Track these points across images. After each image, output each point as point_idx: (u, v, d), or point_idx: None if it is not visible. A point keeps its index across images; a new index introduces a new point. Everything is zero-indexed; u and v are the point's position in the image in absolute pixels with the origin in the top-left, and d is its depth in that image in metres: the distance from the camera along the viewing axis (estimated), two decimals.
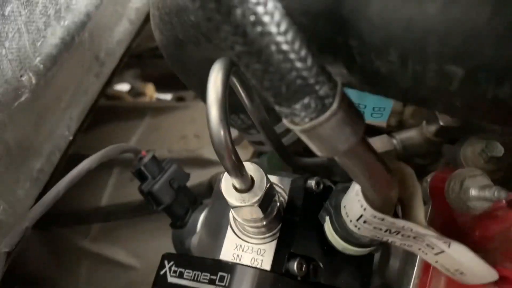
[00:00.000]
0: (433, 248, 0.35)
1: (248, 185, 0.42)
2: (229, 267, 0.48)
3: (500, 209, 0.39)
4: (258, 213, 0.44)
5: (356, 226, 0.38)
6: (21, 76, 0.46)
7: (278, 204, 0.48)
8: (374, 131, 0.77)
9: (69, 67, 0.59)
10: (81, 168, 0.49)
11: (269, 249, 0.49)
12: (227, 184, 0.43)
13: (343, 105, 0.27)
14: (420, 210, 0.35)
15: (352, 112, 0.28)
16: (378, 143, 0.66)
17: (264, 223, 0.47)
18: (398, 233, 0.35)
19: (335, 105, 0.26)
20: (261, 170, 0.44)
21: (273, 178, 0.52)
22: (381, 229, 0.36)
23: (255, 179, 0.43)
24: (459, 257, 0.33)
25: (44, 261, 1.12)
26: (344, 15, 0.29)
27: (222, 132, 0.36)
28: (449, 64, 0.25)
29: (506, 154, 0.51)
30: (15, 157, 0.53)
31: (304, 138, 0.29)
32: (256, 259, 0.48)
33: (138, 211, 1.01)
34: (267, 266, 0.48)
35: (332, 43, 0.31)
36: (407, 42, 0.26)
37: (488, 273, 0.33)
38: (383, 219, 0.34)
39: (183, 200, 0.61)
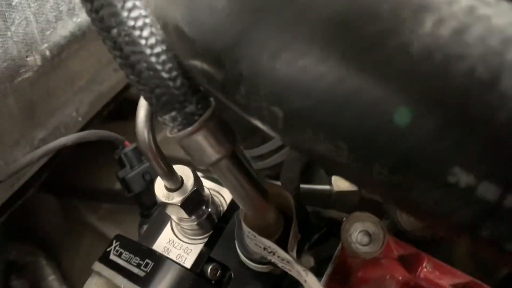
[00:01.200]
0: (301, 276, 0.38)
1: (176, 186, 0.48)
2: (155, 257, 0.53)
3: (387, 258, 0.41)
4: (182, 214, 0.49)
5: (246, 241, 0.42)
6: (26, 56, 0.55)
7: (210, 210, 0.53)
8: None
9: (83, 58, 0.68)
10: (57, 143, 0.57)
11: (195, 249, 0.53)
12: (160, 182, 0.49)
13: (210, 124, 0.32)
14: (292, 235, 0.38)
15: (220, 131, 0.32)
16: (344, 181, 0.68)
17: (194, 224, 0.52)
18: (274, 254, 0.39)
19: (198, 123, 0.31)
20: (192, 176, 0.49)
21: (214, 186, 0.57)
22: (260, 247, 0.39)
23: (184, 182, 0.48)
24: (313, 287, 0.36)
25: (55, 225, 1.23)
26: None
27: (146, 134, 0.41)
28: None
29: None
30: (18, 122, 0.62)
31: (180, 146, 0.34)
32: (182, 256, 0.53)
33: None
34: (188, 264, 0.52)
35: None
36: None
37: None
38: (255, 236, 0.38)
39: (153, 193, 0.67)
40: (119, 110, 1.07)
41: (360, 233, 0.39)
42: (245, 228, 0.38)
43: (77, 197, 1.24)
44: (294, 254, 0.38)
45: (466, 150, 0.21)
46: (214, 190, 0.58)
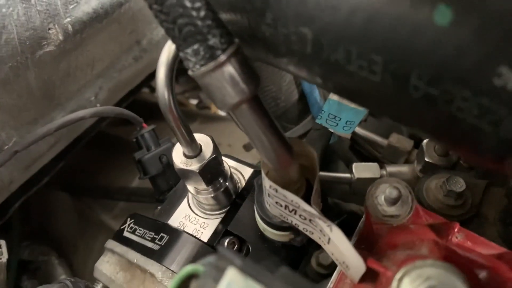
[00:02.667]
0: (324, 235, 0.36)
1: (195, 153, 0.46)
2: (171, 231, 0.51)
3: (416, 223, 0.39)
4: (200, 182, 0.47)
5: (267, 202, 0.40)
6: (48, 29, 0.55)
7: (228, 184, 0.51)
8: (372, 161, 0.77)
9: (104, 40, 0.68)
10: (75, 115, 0.57)
11: (212, 224, 0.52)
12: (179, 148, 0.47)
13: (233, 60, 0.30)
14: (314, 193, 0.36)
15: (243, 70, 0.31)
16: (366, 168, 0.66)
17: (211, 196, 0.50)
18: (295, 212, 0.37)
19: (222, 57, 0.30)
20: (212, 144, 0.47)
21: (235, 164, 0.56)
22: (281, 205, 0.37)
23: (203, 149, 0.47)
24: (338, 243, 0.34)
25: (69, 224, 1.22)
26: None
27: (166, 94, 0.40)
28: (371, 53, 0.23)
29: (469, 194, 0.50)
30: (37, 100, 0.62)
31: (201, 87, 0.32)
32: (198, 230, 0.52)
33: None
34: (205, 238, 0.51)
35: None
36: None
37: (357, 263, 0.33)
38: (277, 190, 0.36)
39: (169, 177, 0.66)
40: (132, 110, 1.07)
41: (387, 190, 0.37)
42: (267, 182, 0.36)
43: (91, 196, 1.23)
44: (318, 209, 0.36)
45: None
46: (234, 168, 0.56)
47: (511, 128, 0.21)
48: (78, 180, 1.21)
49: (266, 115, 0.33)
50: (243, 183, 0.54)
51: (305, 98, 0.74)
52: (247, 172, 0.55)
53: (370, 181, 0.65)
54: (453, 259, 0.36)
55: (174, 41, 0.31)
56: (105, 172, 1.21)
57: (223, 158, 0.56)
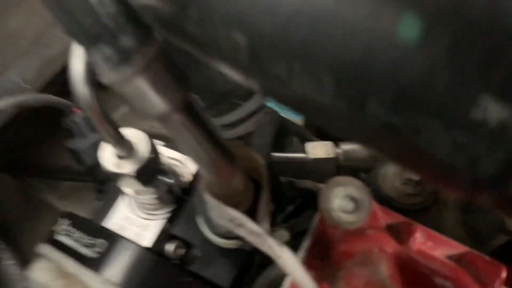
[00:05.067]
0: (274, 252, 0.32)
1: (127, 152, 0.41)
2: (109, 236, 0.46)
3: (374, 228, 0.36)
4: (136, 185, 0.42)
5: (210, 211, 0.36)
6: None
7: (171, 181, 0.46)
8: (326, 135, 0.74)
9: (26, 15, 0.59)
10: None
11: (156, 226, 0.47)
12: (107, 147, 0.41)
13: (154, 63, 0.25)
14: (263, 204, 0.32)
15: (169, 73, 0.26)
16: (321, 148, 0.62)
17: (153, 197, 0.45)
18: (242, 226, 0.33)
19: (139, 60, 0.24)
20: (147, 142, 0.42)
21: (179, 156, 0.50)
22: (226, 219, 0.33)
23: (137, 148, 0.41)
24: (290, 264, 0.30)
25: (13, 206, 1.14)
26: None
27: (85, 87, 0.34)
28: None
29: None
30: None
31: (122, 96, 0.27)
32: (139, 234, 0.47)
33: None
34: (147, 243, 0.46)
35: None
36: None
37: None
38: (219, 207, 0.31)
39: None
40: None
41: (343, 199, 0.33)
42: (208, 197, 0.31)
43: (35, 176, 1.15)
44: (267, 226, 0.32)
45: (499, 69, 0.15)
46: (178, 160, 0.51)
47: (490, 166, 0.17)
48: (19, 160, 1.12)
49: (202, 123, 0.28)
50: (190, 177, 0.49)
51: None
52: (193, 165, 0.50)
53: (325, 160, 0.62)
54: (413, 269, 0.33)
55: (79, 42, 0.25)
56: (48, 150, 1.13)
57: (165, 149, 0.51)
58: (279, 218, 0.67)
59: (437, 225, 0.38)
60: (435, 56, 0.16)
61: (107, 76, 0.25)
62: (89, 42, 0.24)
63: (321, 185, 0.70)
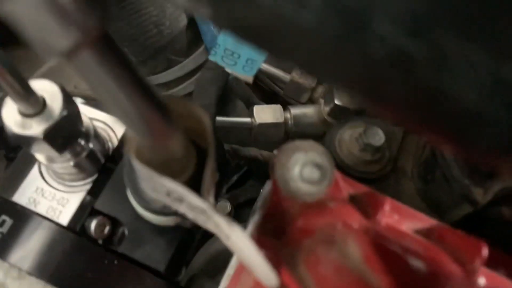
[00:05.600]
0: (222, 231, 0.26)
1: (36, 110, 0.33)
2: (16, 212, 0.38)
3: (335, 200, 0.31)
4: (48, 150, 0.34)
5: (141, 182, 0.29)
6: None
7: (93, 146, 0.38)
8: (274, 99, 0.68)
9: None
10: None
11: (75, 200, 0.39)
12: (11, 104, 0.33)
13: None
14: (207, 174, 0.26)
15: None
16: (268, 112, 0.57)
17: (70, 164, 0.37)
18: (181, 201, 0.26)
19: None
20: (61, 95, 0.34)
21: (103, 117, 0.42)
22: (161, 192, 0.26)
23: (47, 103, 0.33)
24: (241, 247, 0.25)
25: None
26: None
27: None
28: None
29: (388, 147, 0.43)
30: None
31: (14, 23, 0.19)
32: (55, 208, 0.39)
33: None
34: (64, 220, 0.38)
35: None
36: None
37: (266, 276, 0.24)
38: (152, 176, 0.25)
39: None
40: None
41: (305, 166, 0.28)
42: (137, 164, 0.24)
43: None
44: (212, 200, 0.26)
45: None
46: (101, 121, 0.43)
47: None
48: None
49: (125, 63, 0.21)
50: (115, 142, 0.42)
51: (196, 25, 0.60)
52: (120, 126, 0.42)
53: (273, 125, 0.57)
54: (385, 248, 0.29)
55: None
56: None
57: (86, 108, 0.42)
58: (224, 189, 0.61)
59: (395, 195, 0.33)
60: None
61: None
62: None
63: (268, 153, 0.65)
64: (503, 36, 0.11)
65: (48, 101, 0.33)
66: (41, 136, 0.32)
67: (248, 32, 0.16)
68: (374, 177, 0.42)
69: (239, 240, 0.24)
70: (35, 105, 0.32)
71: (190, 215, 0.28)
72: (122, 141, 0.42)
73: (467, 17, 0.11)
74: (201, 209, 0.25)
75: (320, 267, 0.25)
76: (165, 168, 0.25)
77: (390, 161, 0.43)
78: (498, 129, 0.13)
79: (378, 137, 0.41)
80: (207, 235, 0.47)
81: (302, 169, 0.28)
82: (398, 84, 0.13)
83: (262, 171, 0.65)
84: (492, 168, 0.17)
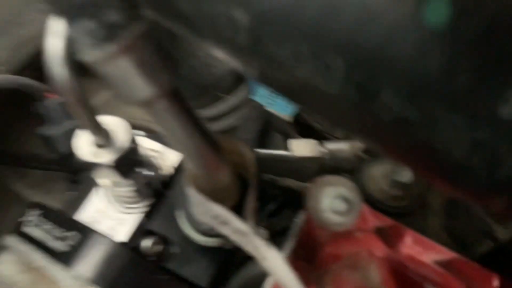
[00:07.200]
0: (259, 253, 0.30)
1: (105, 141, 0.38)
2: (81, 228, 0.43)
3: (362, 231, 0.34)
4: (114, 176, 0.39)
5: (193, 206, 0.33)
6: None
7: (151, 174, 0.44)
8: (312, 134, 0.72)
9: None
10: None
11: (131, 221, 0.45)
12: (83, 135, 0.39)
13: (140, 44, 0.22)
14: (251, 202, 0.30)
15: (156, 57, 0.23)
16: (305, 146, 0.61)
17: (131, 189, 0.43)
18: (226, 224, 0.31)
19: (126, 38, 0.22)
20: (127, 130, 0.39)
21: (161, 148, 0.48)
22: (209, 216, 0.31)
23: (116, 136, 0.39)
24: (276, 266, 0.29)
25: None
26: None
27: (62, 67, 0.31)
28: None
29: (415, 185, 0.46)
30: None
31: (104, 77, 0.24)
32: (114, 228, 0.44)
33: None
34: (123, 237, 0.44)
35: None
36: None
37: None
38: (203, 202, 0.29)
39: None
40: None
41: (334, 199, 0.32)
42: (191, 190, 0.29)
43: (2, 163, 1.10)
44: (252, 224, 0.31)
45: None
46: (159, 152, 0.48)
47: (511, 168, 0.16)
48: None
49: (189, 112, 0.26)
50: (170, 171, 0.47)
51: None
52: (175, 156, 0.48)
53: (309, 159, 0.61)
54: (403, 273, 0.32)
55: (60, 14, 0.22)
56: (18, 136, 1.08)
57: (145, 140, 0.48)
58: (260, 217, 0.65)
59: (422, 230, 0.36)
60: (462, 44, 0.15)
61: (90, 54, 0.22)
62: (71, 14, 0.21)
63: (303, 184, 0.69)
64: (477, 109, 0.15)
65: (115, 134, 0.39)
66: (110, 164, 0.38)
67: (286, 92, 0.21)
68: (402, 212, 0.45)
69: (275, 261, 0.28)
70: (104, 137, 0.38)
71: (233, 237, 0.33)
72: (175, 170, 0.47)
73: (452, 94, 0.16)
74: (243, 232, 0.29)
75: (344, 286, 0.29)
76: (214, 195, 0.30)
77: (418, 198, 0.46)
78: (477, 177, 0.17)
79: (406, 174, 0.44)
80: (245, 259, 0.51)
81: (331, 202, 0.32)
82: (401, 139, 0.18)
83: (297, 201, 0.68)
84: (485, 208, 0.20)
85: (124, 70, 0.23)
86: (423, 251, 0.35)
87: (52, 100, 0.57)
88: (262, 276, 0.40)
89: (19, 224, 0.47)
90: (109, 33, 0.22)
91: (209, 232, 0.36)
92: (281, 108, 0.47)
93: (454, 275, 0.31)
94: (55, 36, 0.31)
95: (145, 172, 0.43)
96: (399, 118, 0.17)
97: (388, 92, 0.16)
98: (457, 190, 0.18)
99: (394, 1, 0.15)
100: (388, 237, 0.34)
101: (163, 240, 0.43)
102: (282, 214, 0.74)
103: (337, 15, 0.16)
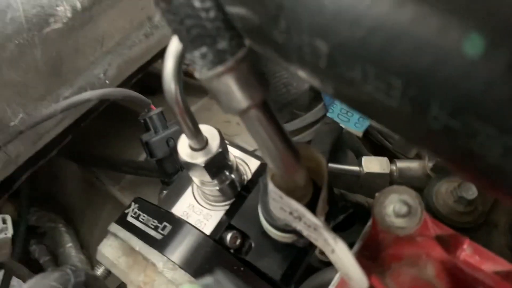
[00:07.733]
0: (328, 245, 0.35)
1: (201, 146, 0.45)
2: (174, 220, 0.51)
3: (423, 235, 0.38)
4: (205, 176, 0.46)
5: (271, 204, 0.39)
6: (56, 5, 0.53)
7: (233, 177, 0.50)
8: (383, 152, 0.75)
9: (114, 16, 0.66)
10: (81, 97, 0.56)
11: (216, 216, 0.51)
12: (184, 140, 0.46)
13: (242, 65, 0.29)
14: (322, 199, 0.35)
15: (252, 76, 0.29)
16: (376, 163, 0.65)
17: (216, 189, 0.49)
18: (300, 219, 0.36)
19: (231, 62, 0.28)
20: (218, 137, 0.46)
21: (241, 155, 0.54)
22: (285, 211, 0.36)
23: (209, 142, 0.46)
24: (342, 257, 0.33)
25: (76, 193, 1.23)
26: None
27: (173, 85, 0.39)
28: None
29: (480, 200, 0.49)
30: (44, 77, 0.61)
31: (208, 89, 0.31)
32: (201, 221, 0.51)
33: None
34: (207, 230, 0.50)
35: None
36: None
37: (360, 279, 0.32)
38: (281, 197, 0.35)
39: (176, 160, 0.65)
40: (146, 84, 1.05)
41: (397, 204, 0.36)
42: (272, 187, 0.35)
43: (99, 167, 1.23)
44: (323, 220, 0.35)
45: None
46: (240, 158, 0.55)
47: None
48: (86, 151, 1.20)
49: (275, 121, 0.32)
50: (249, 175, 0.53)
51: None
52: (254, 163, 0.54)
53: (379, 176, 0.64)
54: (458, 276, 0.35)
55: (181, 41, 0.29)
56: (114, 143, 1.21)
57: (231, 148, 0.55)
58: (331, 225, 0.69)
59: (485, 246, 0.39)
60: (495, 70, 0.19)
61: (203, 73, 0.29)
62: (191, 42, 0.28)
63: (372, 200, 0.72)
64: (507, 121, 0.19)
65: (209, 140, 0.46)
66: (202, 164, 0.45)
67: (355, 105, 0.26)
68: (466, 227, 0.47)
69: (342, 252, 0.33)
70: (201, 142, 0.45)
71: (305, 232, 0.38)
72: (254, 175, 0.53)
73: (486, 110, 0.20)
74: (314, 226, 0.34)
75: (402, 278, 0.33)
76: (291, 193, 0.35)
77: (482, 214, 0.48)
78: (510, 178, 0.20)
79: (471, 191, 0.47)
80: (314, 264, 0.55)
81: (395, 206, 0.36)
82: (447, 145, 0.22)
83: (366, 217, 0.72)
84: None
85: (227, 86, 0.29)
86: (482, 260, 0.37)
87: (154, 111, 0.66)
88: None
89: (125, 215, 0.56)
90: (219, 58, 0.28)
91: (284, 228, 0.42)
92: (354, 126, 0.51)
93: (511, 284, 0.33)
94: (171, 58, 0.38)
95: (229, 174, 0.50)
96: (444, 127, 0.21)
97: (436, 106, 0.21)
98: (495, 191, 0.22)
99: (441, 36, 0.20)
100: (448, 244, 0.37)
101: (242, 234, 0.48)
102: (352, 229, 0.77)
103: (397, 45, 0.21)
